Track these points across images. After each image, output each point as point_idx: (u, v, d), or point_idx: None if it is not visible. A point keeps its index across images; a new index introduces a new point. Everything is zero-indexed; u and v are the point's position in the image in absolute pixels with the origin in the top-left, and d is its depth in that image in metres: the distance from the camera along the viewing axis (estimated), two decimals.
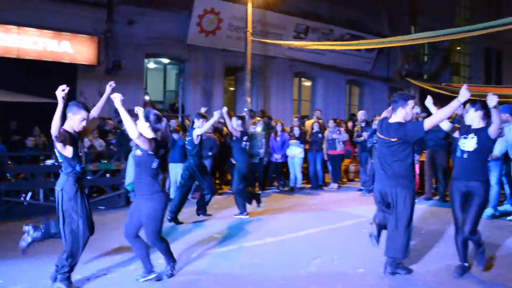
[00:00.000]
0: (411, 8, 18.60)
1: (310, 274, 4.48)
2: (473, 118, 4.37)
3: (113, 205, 8.06)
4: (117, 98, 4.01)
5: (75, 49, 11.73)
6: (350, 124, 12.88)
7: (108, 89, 4.54)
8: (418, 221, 6.72)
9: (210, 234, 6.09)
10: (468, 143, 4.30)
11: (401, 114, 4.23)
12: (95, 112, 4.47)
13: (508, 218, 6.78)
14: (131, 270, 4.56)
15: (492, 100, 4.01)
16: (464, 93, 3.87)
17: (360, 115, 10.14)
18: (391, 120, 4.30)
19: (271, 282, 4.23)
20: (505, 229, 6.25)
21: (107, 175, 8.59)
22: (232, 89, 17.36)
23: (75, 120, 3.99)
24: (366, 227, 6.42)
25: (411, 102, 4.24)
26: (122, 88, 12.89)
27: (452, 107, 3.95)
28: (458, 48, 22.95)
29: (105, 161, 8.59)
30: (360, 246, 5.45)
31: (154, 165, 4.18)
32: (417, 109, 8.62)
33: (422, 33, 16.45)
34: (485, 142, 4.27)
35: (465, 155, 4.30)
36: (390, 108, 4.50)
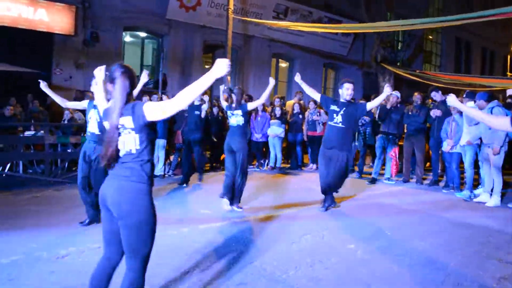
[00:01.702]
0: None
1: (303, 248, 4.63)
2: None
3: None
4: None
5: (51, 17, 11.31)
6: None
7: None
8: (397, 200, 7.04)
9: (197, 210, 6.17)
10: None
11: None
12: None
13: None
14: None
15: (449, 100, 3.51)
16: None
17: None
18: None
19: (266, 254, 4.35)
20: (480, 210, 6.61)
21: None
22: (207, 66, 17.20)
23: None
24: (348, 206, 6.68)
25: None
26: (99, 61, 12.65)
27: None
28: (431, 37, 23.56)
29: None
30: (346, 224, 5.66)
31: None
32: (398, 94, 8.89)
33: (397, 20, 16.76)
34: None
35: None
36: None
